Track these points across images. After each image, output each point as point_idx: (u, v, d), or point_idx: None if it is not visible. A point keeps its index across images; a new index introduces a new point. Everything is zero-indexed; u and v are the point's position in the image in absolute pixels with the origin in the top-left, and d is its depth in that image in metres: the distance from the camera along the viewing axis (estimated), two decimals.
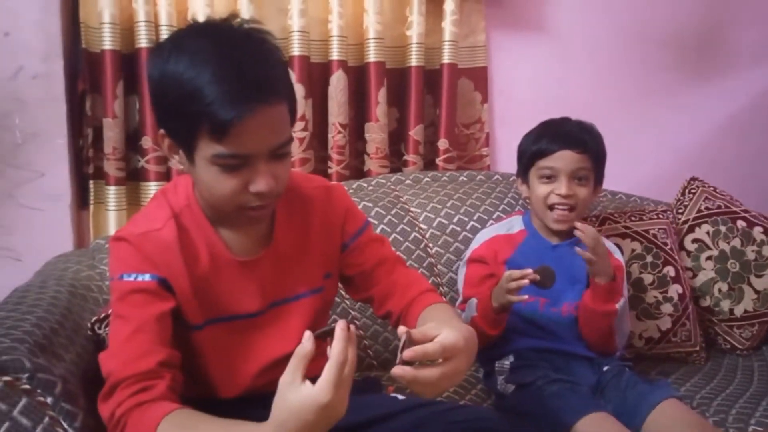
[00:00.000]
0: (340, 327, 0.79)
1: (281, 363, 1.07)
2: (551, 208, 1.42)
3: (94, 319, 1.15)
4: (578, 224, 1.36)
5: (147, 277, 0.96)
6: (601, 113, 2.00)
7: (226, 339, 1.04)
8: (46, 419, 0.88)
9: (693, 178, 1.86)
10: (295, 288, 1.10)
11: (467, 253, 1.52)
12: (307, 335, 0.81)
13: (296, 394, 0.78)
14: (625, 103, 2.15)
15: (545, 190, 1.42)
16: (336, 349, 0.78)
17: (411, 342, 0.84)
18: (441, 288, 1.61)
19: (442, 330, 0.86)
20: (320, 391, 0.77)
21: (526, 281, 1.24)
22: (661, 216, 1.72)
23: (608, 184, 1.79)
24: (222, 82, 0.84)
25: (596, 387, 1.37)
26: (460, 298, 1.48)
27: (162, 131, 0.94)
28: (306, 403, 0.78)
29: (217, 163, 0.89)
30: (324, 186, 1.15)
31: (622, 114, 2.14)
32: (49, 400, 0.89)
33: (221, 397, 1.06)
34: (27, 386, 0.88)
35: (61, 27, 1.58)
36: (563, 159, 1.41)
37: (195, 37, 0.89)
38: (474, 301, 1.39)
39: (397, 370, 0.82)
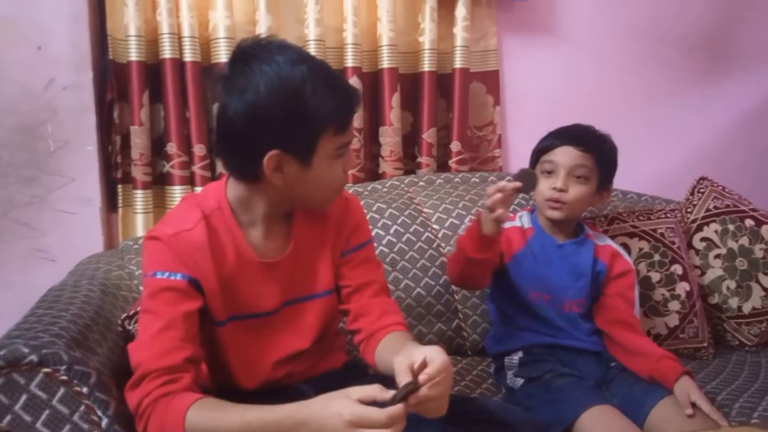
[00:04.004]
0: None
1: (296, 357, 1.16)
2: (546, 200, 1.46)
3: (124, 316, 1.23)
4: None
5: (178, 276, 1.03)
6: (612, 114, 2.06)
7: (244, 335, 1.12)
8: (82, 407, 0.96)
9: (702, 178, 1.89)
10: (310, 288, 1.16)
11: None
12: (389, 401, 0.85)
13: (342, 404, 0.85)
14: (636, 103, 2.18)
15: (544, 184, 1.46)
16: (394, 409, 0.83)
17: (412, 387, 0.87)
18: (453, 286, 1.67)
19: (420, 353, 0.90)
20: (350, 408, 0.83)
21: (508, 192, 1.27)
22: (669, 215, 1.75)
23: (621, 183, 1.83)
24: (336, 91, 1.01)
25: (603, 381, 1.42)
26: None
27: (274, 152, 1.00)
28: (343, 412, 0.84)
29: (337, 153, 1.05)
30: (343, 197, 1.20)
31: (633, 114, 2.17)
32: (84, 390, 0.96)
33: (243, 388, 1.13)
34: (65, 377, 0.95)
35: (89, 40, 1.66)
36: (564, 154, 1.45)
37: (292, 63, 0.99)
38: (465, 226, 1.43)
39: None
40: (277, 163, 1.01)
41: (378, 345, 1.12)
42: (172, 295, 1.02)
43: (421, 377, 0.87)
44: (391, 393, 0.86)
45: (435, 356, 0.89)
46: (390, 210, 1.70)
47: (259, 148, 1.00)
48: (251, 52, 1.01)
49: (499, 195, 1.26)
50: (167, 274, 1.02)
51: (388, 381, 0.93)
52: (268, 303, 1.12)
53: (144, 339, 1.00)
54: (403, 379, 0.88)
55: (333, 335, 1.26)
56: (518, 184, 1.29)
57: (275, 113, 0.98)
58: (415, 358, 0.89)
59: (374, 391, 0.86)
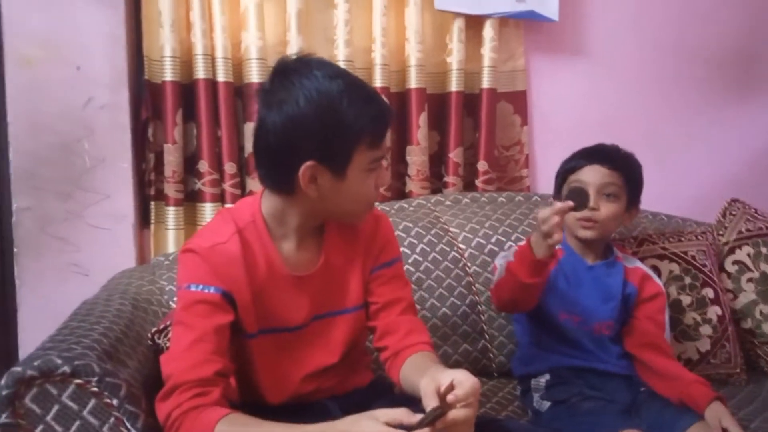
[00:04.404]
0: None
1: (323, 373, 1.16)
2: (578, 220, 1.44)
3: (154, 330, 1.24)
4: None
5: (212, 289, 1.04)
6: (641, 133, 2.05)
7: (274, 348, 1.13)
8: (112, 419, 0.98)
9: (733, 200, 1.86)
10: (340, 303, 1.18)
11: (515, 247, 1.51)
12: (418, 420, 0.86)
13: (369, 425, 0.86)
14: (665, 123, 2.16)
15: None
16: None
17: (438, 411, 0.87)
18: (479, 306, 1.66)
19: (448, 375, 0.91)
20: (377, 431, 0.85)
21: (558, 219, 1.22)
22: (700, 237, 1.73)
23: (650, 204, 1.81)
24: (372, 105, 1.04)
25: (632, 406, 1.39)
26: (496, 276, 1.49)
27: (310, 163, 1.02)
28: None
29: (371, 167, 1.07)
30: (374, 214, 1.22)
31: (662, 134, 2.15)
32: (114, 402, 0.98)
33: (270, 403, 1.13)
34: (96, 389, 0.97)
35: (126, 61, 1.71)
36: (592, 173, 1.44)
37: (330, 78, 1.02)
38: (513, 248, 1.43)
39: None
40: (312, 174, 1.03)
41: (403, 364, 1.12)
42: (205, 307, 1.04)
43: (450, 398, 0.87)
44: (417, 417, 0.86)
45: (464, 379, 0.89)
46: (416, 229, 1.71)
47: (296, 159, 1.02)
48: (291, 67, 1.04)
49: (556, 219, 1.23)
50: (201, 286, 1.04)
51: (414, 402, 0.93)
52: (298, 317, 1.13)
53: (176, 351, 1.02)
54: (429, 402, 0.88)
55: (360, 352, 1.27)
56: (571, 203, 1.28)
57: (313, 124, 1.01)
58: (441, 381, 0.89)
59: (401, 414, 0.86)
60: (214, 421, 0.93)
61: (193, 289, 1.05)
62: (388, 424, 0.85)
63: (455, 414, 0.87)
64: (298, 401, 1.15)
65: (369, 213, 1.16)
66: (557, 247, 1.50)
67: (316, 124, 1.01)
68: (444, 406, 0.87)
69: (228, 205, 1.77)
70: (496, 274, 1.51)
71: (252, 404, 1.09)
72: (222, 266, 1.06)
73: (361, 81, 1.08)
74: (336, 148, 1.03)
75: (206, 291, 1.04)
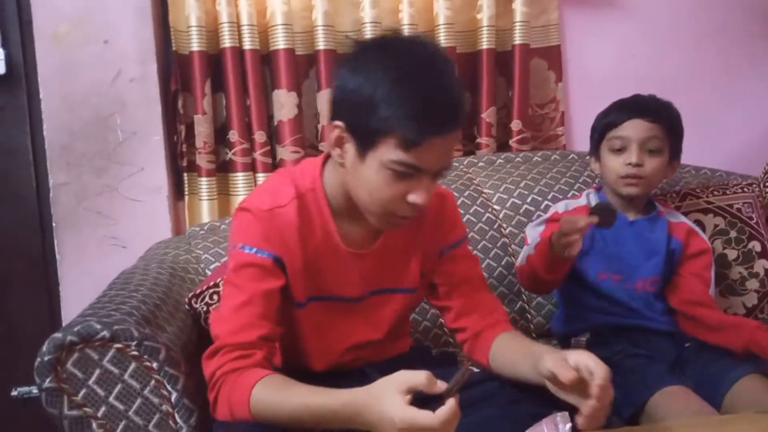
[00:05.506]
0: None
1: (367, 346, 1.15)
2: (622, 178, 1.40)
3: (191, 294, 1.26)
4: None
5: (264, 254, 1.02)
6: (681, 88, 1.96)
7: (323, 316, 1.11)
8: (153, 382, 0.99)
9: None
10: (394, 282, 1.15)
11: (546, 215, 1.51)
12: (439, 386, 0.83)
13: (393, 405, 0.83)
14: (708, 77, 2.07)
15: (616, 162, 1.40)
16: (446, 411, 0.81)
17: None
18: (514, 267, 1.63)
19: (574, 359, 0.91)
20: (401, 414, 0.82)
21: (577, 236, 1.22)
22: (745, 190, 1.66)
23: (694, 159, 1.75)
24: (426, 101, 0.92)
25: (676, 362, 1.36)
26: (523, 254, 1.47)
27: (340, 123, 0.98)
28: (393, 417, 0.82)
29: (391, 167, 0.95)
30: (438, 193, 1.16)
31: (705, 88, 2.06)
32: (154, 365, 1.00)
33: (313, 369, 1.13)
34: (135, 353, 0.99)
35: (153, 33, 1.71)
36: (633, 127, 1.39)
37: (398, 54, 0.96)
38: (536, 239, 1.41)
39: None
40: (339, 135, 0.99)
41: (491, 346, 1.11)
42: (256, 271, 1.02)
43: (594, 391, 0.87)
44: (440, 384, 0.83)
45: (594, 366, 0.89)
46: None
47: (332, 118, 1.00)
48: (385, 39, 1.02)
49: (577, 236, 1.23)
50: (255, 249, 1.02)
51: (444, 366, 0.90)
52: (353, 290, 1.11)
53: (225, 312, 1.02)
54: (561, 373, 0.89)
55: (404, 326, 1.25)
56: (595, 219, 1.26)
57: (357, 89, 0.95)
58: (576, 364, 0.90)
59: (422, 381, 0.83)
60: (252, 383, 0.94)
61: (246, 251, 1.03)
62: (410, 392, 0.83)
63: (594, 406, 0.87)
64: (338, 368, 1.14)
65: (388, 224, 1.04)
66: (594, 204, 1.47)
67: (356, 90, 0.95)
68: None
69: (259, 175, 1.77)
70: (524, 248, 1.49)
71: (295, 369, 1.08)
72: (277, 231, 1.03)
73: (440, 81, 0.95)
74: (363, 123, 0.96)
75: (259, 255, 1.02)
